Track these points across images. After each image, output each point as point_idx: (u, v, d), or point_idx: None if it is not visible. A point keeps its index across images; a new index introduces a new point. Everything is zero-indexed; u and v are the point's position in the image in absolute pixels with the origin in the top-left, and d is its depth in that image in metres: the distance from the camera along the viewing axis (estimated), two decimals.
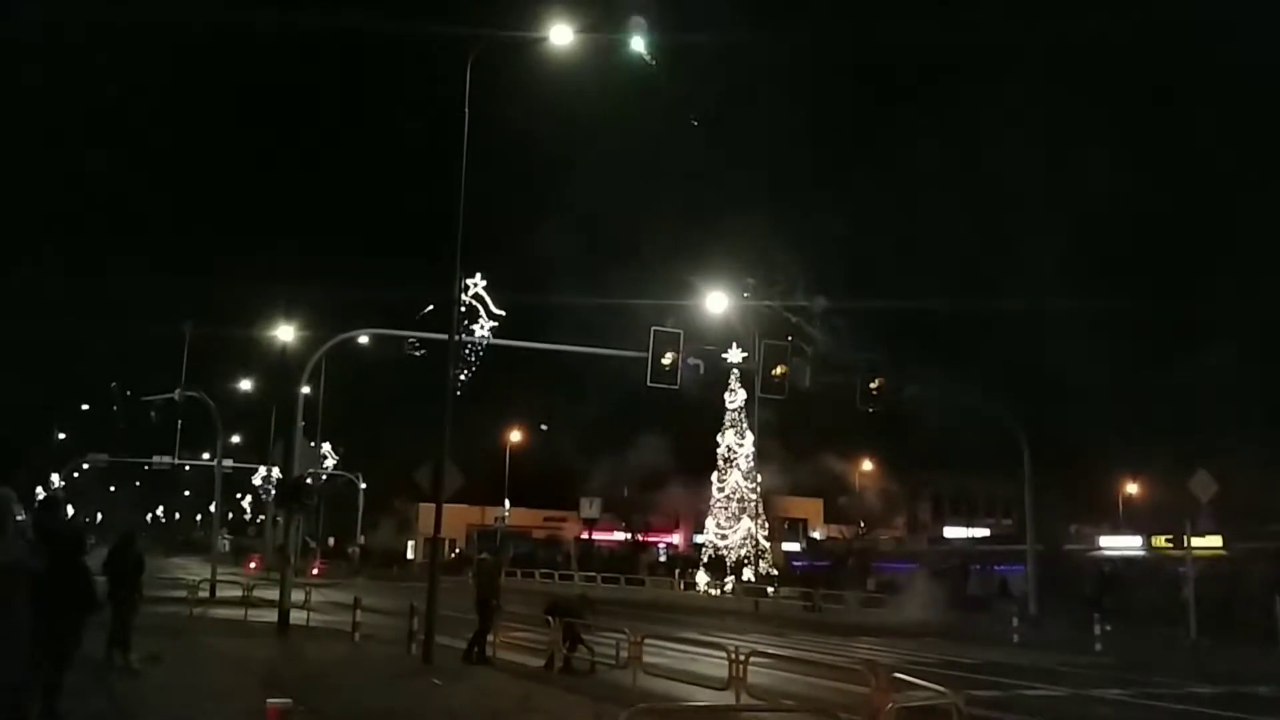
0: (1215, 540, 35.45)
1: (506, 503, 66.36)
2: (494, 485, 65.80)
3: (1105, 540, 46.72)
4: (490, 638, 17.50)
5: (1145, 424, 56.55)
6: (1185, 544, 28.27)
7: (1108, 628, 26.45)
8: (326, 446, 61.37)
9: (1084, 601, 32.28)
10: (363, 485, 66.81)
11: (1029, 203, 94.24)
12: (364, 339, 32.22)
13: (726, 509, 54.72)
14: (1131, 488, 67.13)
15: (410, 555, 75.82)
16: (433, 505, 18.44)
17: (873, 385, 28.80)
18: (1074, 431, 53.19)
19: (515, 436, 70.94)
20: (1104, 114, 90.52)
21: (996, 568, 43.43)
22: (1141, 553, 42.17)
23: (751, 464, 54.88)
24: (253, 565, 55.67)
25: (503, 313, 25.30)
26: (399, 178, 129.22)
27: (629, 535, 73.87)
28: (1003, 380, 61.17)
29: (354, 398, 63.23)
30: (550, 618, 16.53)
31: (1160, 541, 39.79)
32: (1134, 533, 46.43)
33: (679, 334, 27.96)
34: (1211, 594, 28.95)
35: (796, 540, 69.25)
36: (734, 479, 54.75)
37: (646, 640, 14.53)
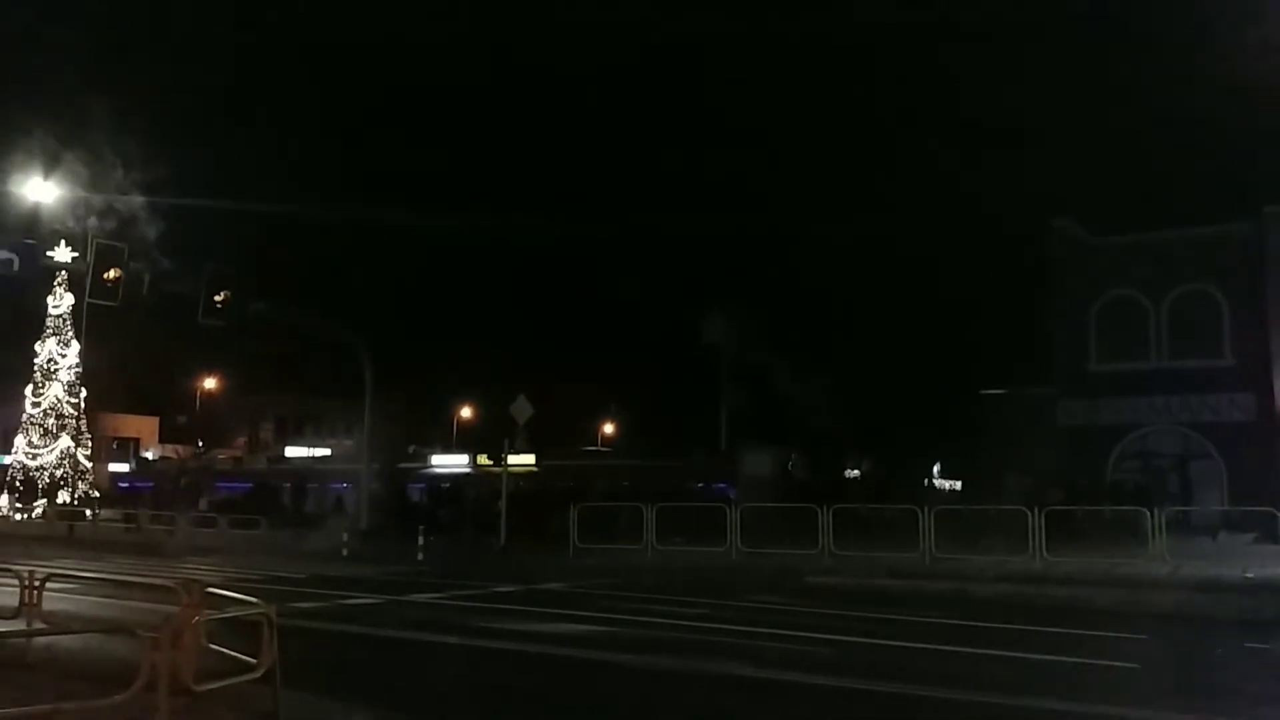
0: (529, 458, 39.91)
1: None
2: None
3: (438, 459, 50.33)
4: None
5: (482, 353, 61.60)
6: (503, 462, 31.44)
7: (432, 539, 28.60)
8: None
9: (413, 515, 34.55)
10: None
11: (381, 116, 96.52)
12: None
13: (43, 426, 49.20)
14: (465, 412, 72.87)
15: None
16: None
17: (217, 298, 27.80)
18: (416, 358, 56.26)
19: None
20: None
21: (333, 485, 44.55)
22: (468, 470, 46.11)
23: (75, 377, 49.86)
24: None
25: None
26: None
27: None
28: (351, 303, 62.63)
29: None
30: None
31: (483, 459, 43.83)
32: (463, 452, 50.62)
33: None
34: (522, 505, 32.63)
35: (126, 460, 64.51)
36: (54, 393, 49.36)
37: None
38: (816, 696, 9.99)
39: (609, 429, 78.26)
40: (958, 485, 51.76)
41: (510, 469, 31.73)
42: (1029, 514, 22.42)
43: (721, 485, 38.34)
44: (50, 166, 38.99)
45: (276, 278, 53.90)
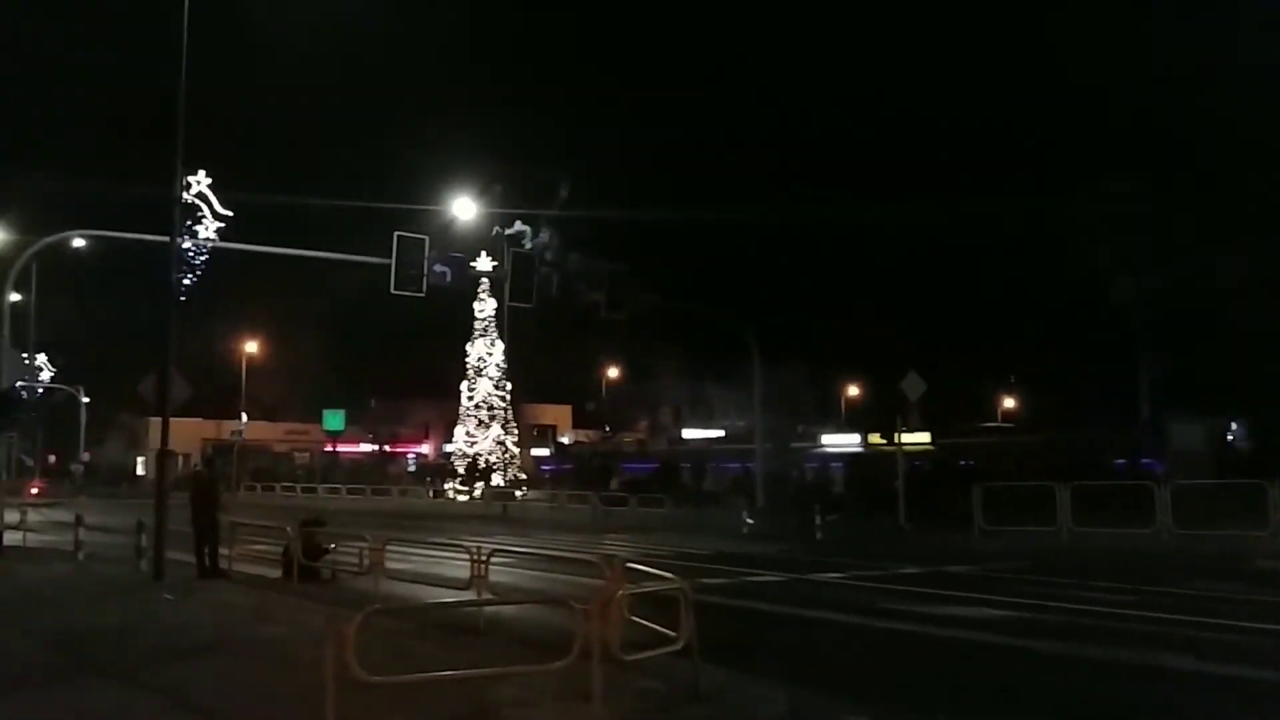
0: (924, 436, 38.82)
1: (243, 415, 63.72)
2: (231, 398, 62.98)
3: (828, 438, 50.31)
4: (228, 551, 17.01)
5: (868, 329, 60.63)
6: (896, 440, 30.77)
7: (830, 517, 28.60)
8: (42, 358, 56.55)
9: (809, 494, 34.76)
10: (85, 399, 62.14)
11: (751, 117, 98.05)
12: (80, 241, 29.80)
13: (476, 417, 54.87)
14: (852, 390, 72.31)
15: (140, 471, 71.75)
16: (160, 419, 17.51)
17: (617, 294, 29.54)
18: (802, 338, 56.42)
19: (251, 347, 67.89)
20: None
21: (727, 465, 45.88)
22: (859, 449, 45.66)
23: (501, 372, 55.11)
24: None
25: (230, 213, 23.91)
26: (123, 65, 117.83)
27: (377, 446, 72.83)
28: (739, 290, 64.15)
29: (75, 305, 58.49)
30: (290, 528, 16.26)
31: (875, 438, 43.15)
32: (852, 430, 50.25)
33: (424, 240, 27.47)
34: (920, 485, 31.75)
35: (546, 446, 70.38)
36: (484, 387, 54.86)
37: (390, 546, 14.53)
38: (1273, 694, 8.81)
39: (1009, 403, 74.46)
40: None
41: (904, 448, 31.00)
42: None
43: (1146, 461, 35.05)
44: (472, 187, 43.49)
45: (670, 271, 56.40)
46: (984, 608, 14.30)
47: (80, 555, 19.26)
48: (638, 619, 9.03)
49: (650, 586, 9.16)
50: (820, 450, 48.35)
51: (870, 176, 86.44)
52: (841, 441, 49.67)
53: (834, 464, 43.80)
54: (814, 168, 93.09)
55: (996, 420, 64.96)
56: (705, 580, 15.88)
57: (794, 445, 46.23)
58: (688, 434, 68.83)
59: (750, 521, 30.08)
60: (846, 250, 74.43)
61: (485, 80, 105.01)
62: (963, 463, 37.74)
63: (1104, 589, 16.13)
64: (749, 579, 17.79)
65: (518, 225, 43.12)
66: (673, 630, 8.46)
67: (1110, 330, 43.90)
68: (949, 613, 13.80)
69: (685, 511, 35.66)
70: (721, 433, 62.86)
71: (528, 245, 40.39)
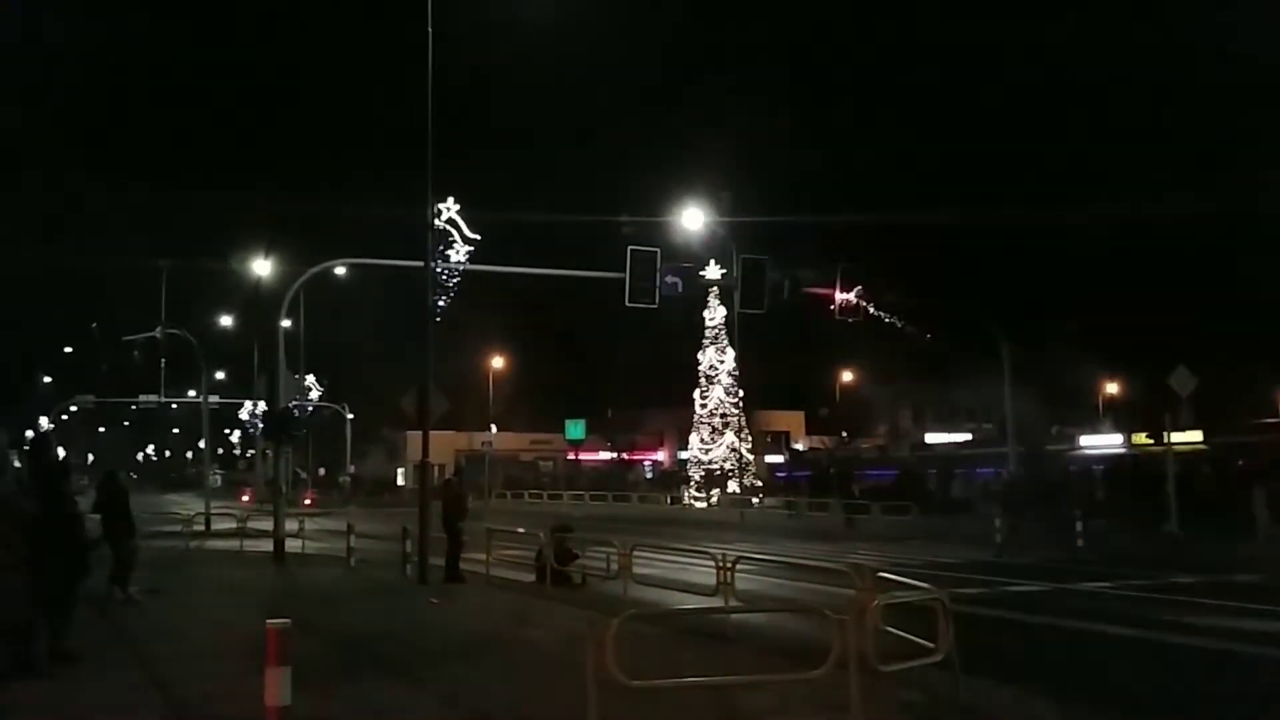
0: (1195, 435, 35.88)
1: (493, 427, 66.76)
2: (480, 410, 66.20)
3: (1086, 439, 47.39)
4: (484, 556, 17.80)
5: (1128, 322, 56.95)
6: (1165, 439, 28.61)
7: (1091, 524, 26.91)
8: (311, 378, 61.38)
9: (1067, 500, 32.76)
10: (350, 415, 66.97)
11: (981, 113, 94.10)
12: (341, 269, 32.03)
13: (710, 424, 55.20)
14: (1112, 387, 67.97)
15: (400, 482, 76.54)
16: (420, 432, 18.58)
17: (850, 295, 28.93)
18: (1055, 335, 53.49)
19: (498, 362, 71.12)
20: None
21: (976, 470, 44.02)
22: (1122, 450, 42.77)
23: (733, 379, 55.20)
24: (245, 498, 56.29)
25: (478, 236, 25.17)
26: (374, 99, 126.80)
27: (615, 454, 74.62)
28: (983, 287, 61.60)
29: (337, 328, 63.12)
30: (542, 533, 16.88)
31: (1141, 438, 40.22)
32: (1114, 430, 47.12)
33: (656, 252, 27.87)
34: (1193, 488, 29.39)
35: (780, 452, 69.91)
36: (716, 395, 55.12)
37: (636, 552, 14.81)
38: None
39: None
40: None
41: (1174, 447, 28.78)
42: None
43: None
44: (699, 197, 44.06)
45: (905, 270, 54.77)
46: (1272, 620, 13.05)
47: (352, 561, 20.64)
48: (891, 629, 8.77)
49: (906, 596, 8.89)
50: (1079, 452, 45.61)
51: (1131, 159, 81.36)
52: (1102, 442, 46.67)
53: (1095, 466, 41.16)
54: (1065, 153, 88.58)
55: (1278, 416, 59.28)
56: (960, 590, 15.20)
57: (1049, 448, 43.78)
58: (930, 438, 66.62)
59: (999, 525, 28.71)
60: (1103, 239, 69.86)
61: (692, 77, 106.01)
62: (1241, 462, 34.65)
63: None
64: (1007, 589, 17.00)
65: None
66: (928, 641, 8.17)
67: None
68: (1229, 625, 12.69)
69: (932, 520, 34.50)
70: (968, 436, 60.46)
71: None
